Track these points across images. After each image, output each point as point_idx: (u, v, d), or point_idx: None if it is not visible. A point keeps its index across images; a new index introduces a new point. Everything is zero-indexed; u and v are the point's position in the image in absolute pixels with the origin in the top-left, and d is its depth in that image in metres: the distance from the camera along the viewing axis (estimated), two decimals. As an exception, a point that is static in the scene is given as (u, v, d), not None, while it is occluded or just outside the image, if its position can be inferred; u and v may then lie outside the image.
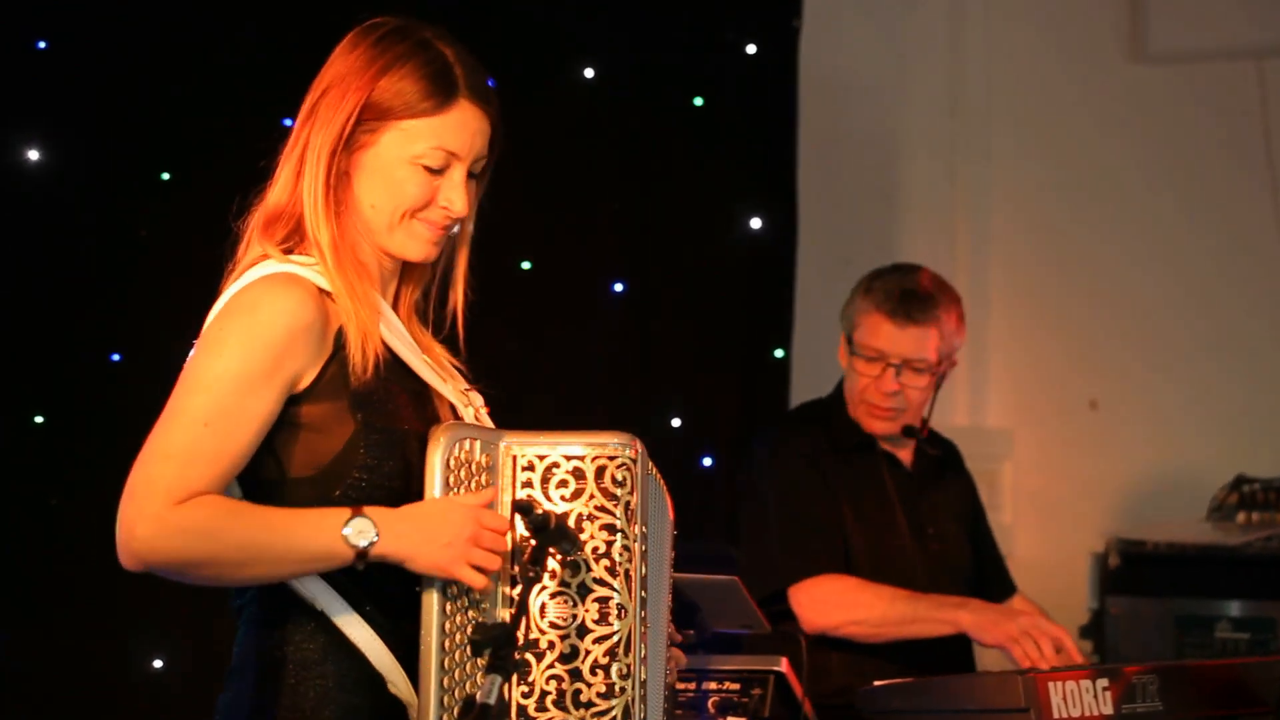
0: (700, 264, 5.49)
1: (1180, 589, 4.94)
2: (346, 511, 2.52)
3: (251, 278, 2.63)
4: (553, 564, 2.55)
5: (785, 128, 5.62)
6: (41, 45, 5.05)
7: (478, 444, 2.58)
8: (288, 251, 2.68)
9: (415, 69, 2.67)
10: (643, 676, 2.58)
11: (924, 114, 6.18)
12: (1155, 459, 5.98)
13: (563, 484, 2.58)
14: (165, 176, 5.12)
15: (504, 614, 2.56)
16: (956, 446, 4.52)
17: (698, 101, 5.50)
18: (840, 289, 4.48)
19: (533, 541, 2.53)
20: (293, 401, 2.59)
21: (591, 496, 2.57)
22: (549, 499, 2.57)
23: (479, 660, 2.53)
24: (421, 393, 2.71)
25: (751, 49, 5.55)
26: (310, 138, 2.69)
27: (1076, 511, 5.92)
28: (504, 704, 2.48)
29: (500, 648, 2.40)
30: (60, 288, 5.04)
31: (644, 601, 2.59)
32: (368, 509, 2.52)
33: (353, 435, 2.60)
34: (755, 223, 5.51)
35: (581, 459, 2.58)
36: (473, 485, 2.57)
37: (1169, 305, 6.04)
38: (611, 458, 2.58)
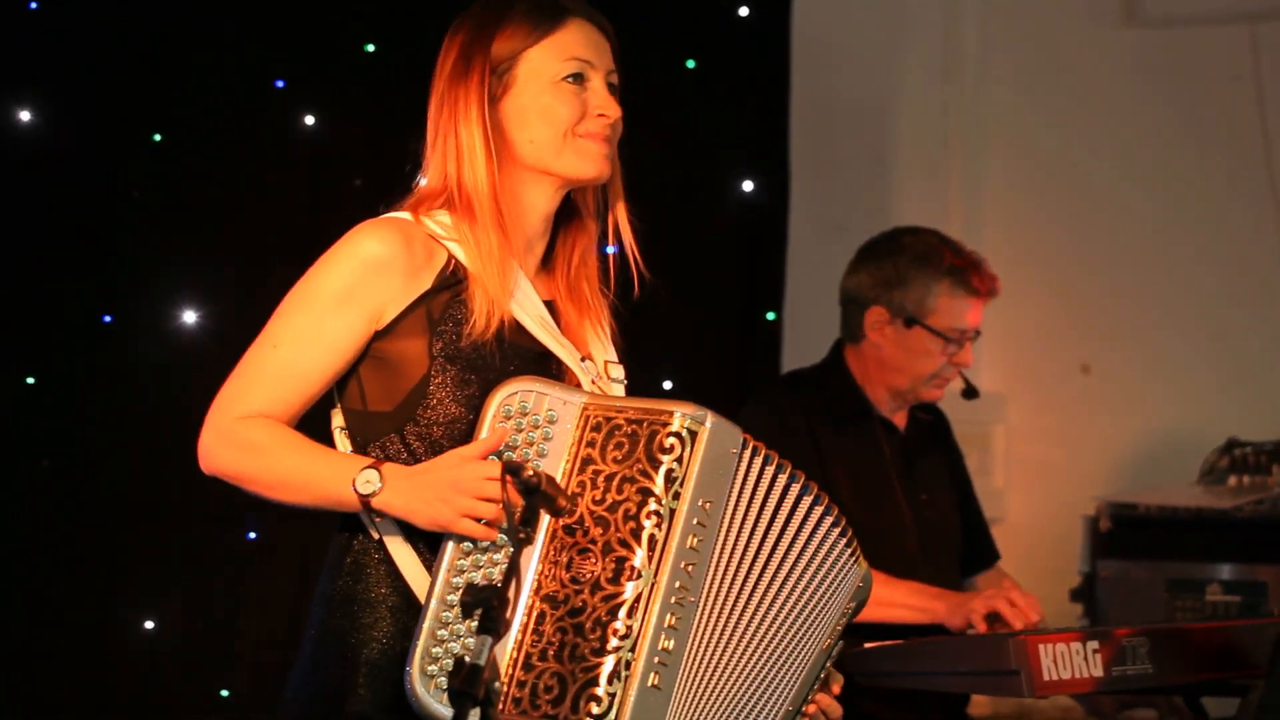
0: (692, 227, 5.47)
1: (1171, 552, 4.94)
2: (366, 461, 2.62)
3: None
4: (586, 521, 2.57)
5: (778, 90, 5.60)
6: (33, 5, 5.02)
7: (546, 399, 2.62)
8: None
9: (520, 11, 2.77)
10: (664, 646, 2.55)
11: (917, 77, 6.16)
12: (1147, 423, 5.99)
13: (619, 446, 2.59)
14: (157, 138, 5.10)
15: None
16: (945, 414, 4.53)
17: (690, 64, 5.48)
18: (832, 252, 4.47)
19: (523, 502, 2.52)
20: (377, 336, 2.69)
21: (637, 461, 2.58)
22: (604, 460, 2.59)
23: (472, 621, 2.53)
24: (543, 354, 2.77)
25: (744, 11, 5.53)
26: (446, 118, 2.77)
27: (1068, 475, 5.92)
28: (495, 665, 2.49)
29: (490, 609, 2.39)
30: (51, 249, 5.02)
31: (685, 574, 2.56)
32: (386, 465, 2.61)
33: (425, 375, 2.69)
34: (747, 186, 5.50)
35: (640, 424, 2.59)
36: (529, 438, 2.61)
37: (1161, 269, 6.03)
38: (664, 425, 2.58)
